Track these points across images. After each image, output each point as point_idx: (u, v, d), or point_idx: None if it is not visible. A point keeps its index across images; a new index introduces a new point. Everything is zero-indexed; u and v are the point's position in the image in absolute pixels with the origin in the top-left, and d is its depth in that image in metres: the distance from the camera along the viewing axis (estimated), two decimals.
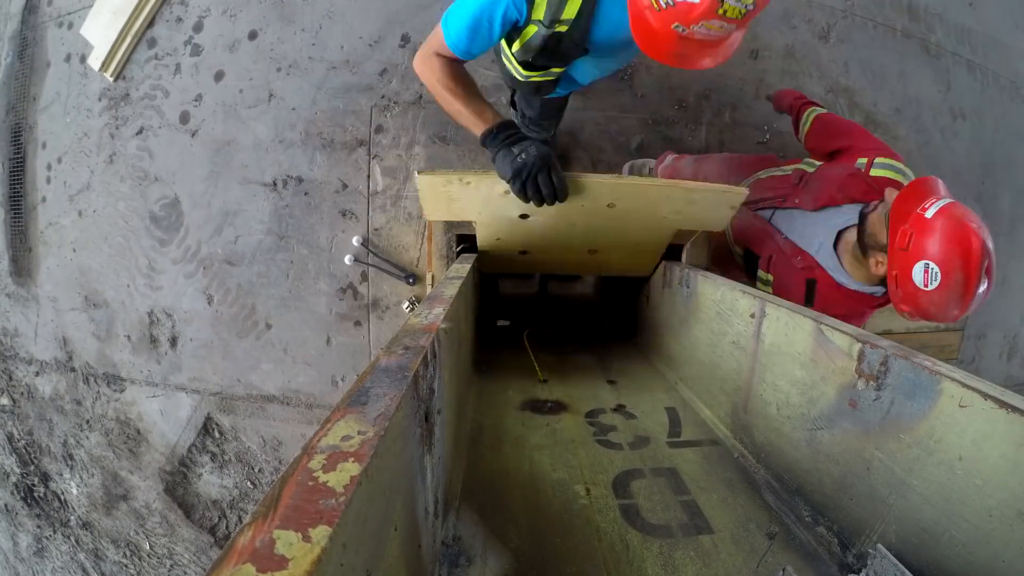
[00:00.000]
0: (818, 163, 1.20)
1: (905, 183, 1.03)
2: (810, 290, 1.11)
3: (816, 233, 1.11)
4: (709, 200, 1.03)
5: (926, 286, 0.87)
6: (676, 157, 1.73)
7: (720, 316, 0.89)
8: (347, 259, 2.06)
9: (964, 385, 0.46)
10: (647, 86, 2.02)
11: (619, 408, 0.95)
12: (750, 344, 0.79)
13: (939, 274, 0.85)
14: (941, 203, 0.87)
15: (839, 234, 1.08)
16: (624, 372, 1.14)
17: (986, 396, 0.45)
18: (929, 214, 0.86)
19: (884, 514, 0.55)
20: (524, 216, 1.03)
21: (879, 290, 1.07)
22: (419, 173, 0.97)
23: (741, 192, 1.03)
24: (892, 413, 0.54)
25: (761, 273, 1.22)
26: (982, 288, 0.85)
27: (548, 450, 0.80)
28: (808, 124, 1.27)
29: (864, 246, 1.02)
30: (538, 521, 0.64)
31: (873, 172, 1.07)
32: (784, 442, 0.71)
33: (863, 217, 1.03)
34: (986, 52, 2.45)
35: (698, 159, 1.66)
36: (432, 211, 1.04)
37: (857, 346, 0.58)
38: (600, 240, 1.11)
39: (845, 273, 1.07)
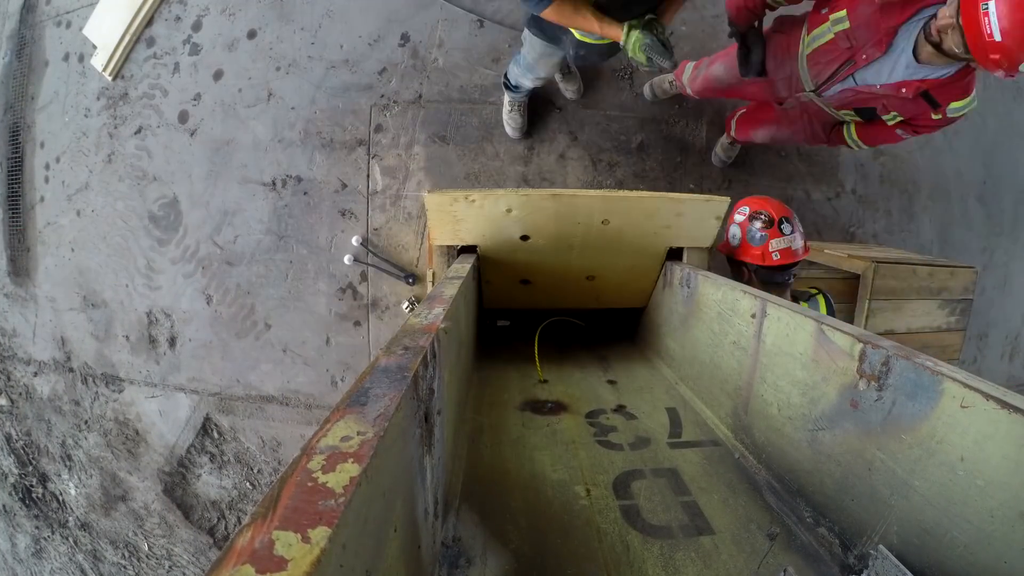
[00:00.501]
0: (841, 14, 1.22)
1: None
2: (930, 99, 1.22)
3: (897, 64, 1.19)
4: (695, 211, 1.10)
5: None
6: (701, 63, 1.70)
7: (721, 316, 0.89)
8: (346, 259, 2.06)
9: (966, 385, 0.46)
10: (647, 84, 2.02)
11: (620, 408, 0.95)
12: (751, 344, 0.79)
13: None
14: (995, 21, 0.95)
15: (914, 51, 1.15)
16: (625, 372, 1.14)
17: (988, 396, 0.44)
18: (997, 38, 0.96)
19: (886, 515, 0.54)
20: (525, 238, 1.09)
21: (972, 64, 1.15)
22: (427, 193, 1.03)
23: (723, 200, 1.12)
24: (894, 414, 0.54)
25: (885, 117, 1.33)
26: None
27: (548, 451, 0.79)
28: None
29: (948, 55, 1.11)
30: (538, 522, 0.64)
31: None
32: (785, 443, 0.71)
33: (932, 42, 1.10)
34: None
35: (724, 57, 1.61)
36: (439, 235, 1.08)
37: (859, 346, 0.58)
38: (597, 263, 1.15)
39: (937, 68, 1.16)
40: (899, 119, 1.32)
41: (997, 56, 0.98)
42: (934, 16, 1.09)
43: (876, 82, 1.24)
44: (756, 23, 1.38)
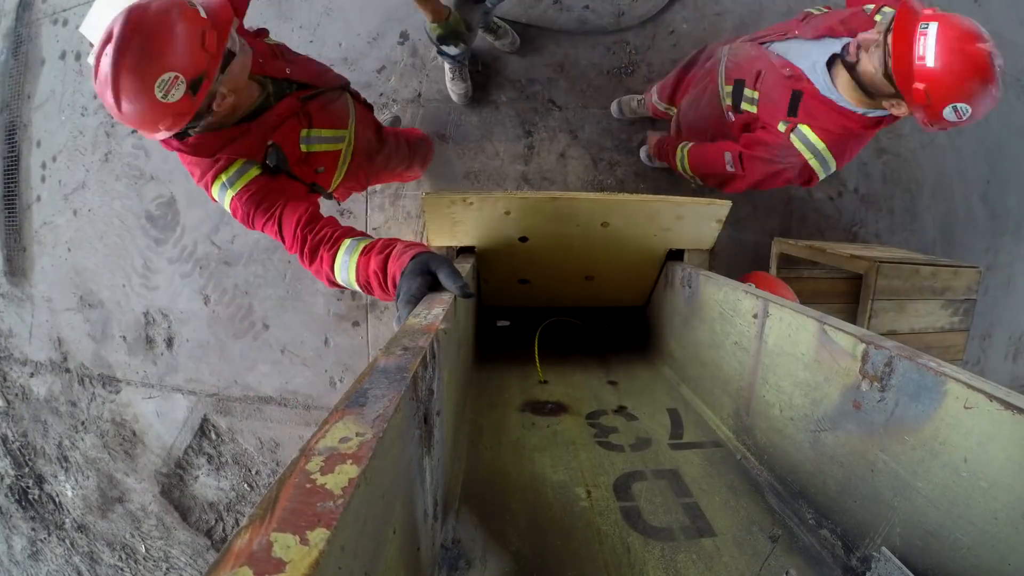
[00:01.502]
0: (824, 7, 1.15)
1: None
2: (795, 100, 1.07)
3: (811, 53, 1.08)
4: (696, 214, 1.09)
5: (960, 118, 0.89)
6: (661, 84, 1.65)
7: (722, 316, 0.89)
8: None
9: (969, 386, 0.46)
10: (648, 83, 2.02)
11: (620, 409, 0.95)
12: (753, 345, 0.78)
13: (968, 108, 0.87)
14: (933, 45, 0.85)
15: (833, 56, 1.04)
16: (625, 373, 1.13)
17: (991, 397, 0.44)
18: (930, 63, 0.85)
19: (888, 517, 0.54)
20: (524, 239, 1.08)
21: (875, 112, 1.03)
22: (425, 194, 1.02)
23: (724, 204, 1.07)
24: (896, 415, 0.54)
25: (748, 92, 1.17)
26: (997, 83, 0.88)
27: (548, 452, 0.79)
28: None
29: (863, 87, 0.99)
30: (538, 523, 0.63)
31: (879, 18, 1.01)
32: (787, 444, 0.71)
33: (847, 63, 0.99)
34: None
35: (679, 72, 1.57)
36: (436, 236, 1.07)
37: (861, 347, 0.58)
38: (596, 264, 1.14)
39: (836, 92, 1.04)
40: (751, 110, 1.17)
41: (923, 86, 0.86)
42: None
43: (780, 52, 1.12)
44: None
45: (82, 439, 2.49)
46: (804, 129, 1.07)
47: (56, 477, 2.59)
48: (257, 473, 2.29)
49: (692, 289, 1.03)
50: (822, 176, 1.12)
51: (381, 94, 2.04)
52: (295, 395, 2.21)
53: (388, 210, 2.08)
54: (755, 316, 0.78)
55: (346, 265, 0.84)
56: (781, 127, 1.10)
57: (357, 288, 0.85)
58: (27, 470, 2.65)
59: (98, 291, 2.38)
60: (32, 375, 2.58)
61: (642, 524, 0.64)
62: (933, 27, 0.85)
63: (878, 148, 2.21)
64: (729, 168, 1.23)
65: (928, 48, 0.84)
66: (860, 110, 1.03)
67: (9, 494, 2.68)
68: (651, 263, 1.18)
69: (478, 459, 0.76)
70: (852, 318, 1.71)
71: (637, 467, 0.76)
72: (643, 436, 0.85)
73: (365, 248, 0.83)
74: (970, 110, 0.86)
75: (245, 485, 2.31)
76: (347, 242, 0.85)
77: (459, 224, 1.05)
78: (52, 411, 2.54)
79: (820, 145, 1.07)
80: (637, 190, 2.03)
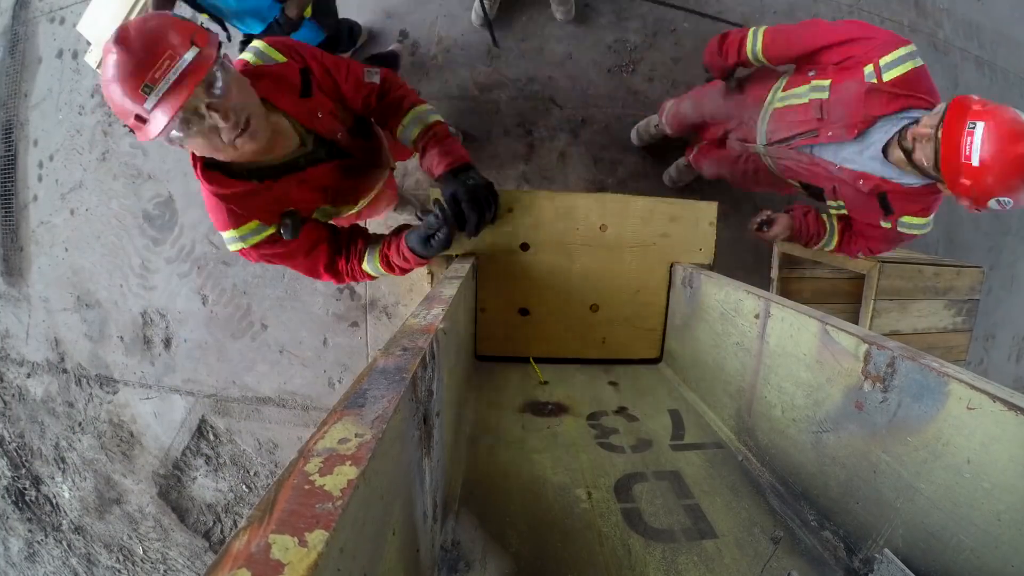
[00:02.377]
0: (825, 83, 1.14)
1: (917, 66, 1.03)
2: (884, 202, 1.15)
3: (864, 155, 1.12)
4: (688, 214, 1.11)
5: (1002, 208, 0.93)
6: (676, 100, 1.69)
7: (724, 317, 0.88)
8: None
9: (972, 387, 0.46)
10: (649, 82, 2.02)
11: (621, 410, 0.94)
12: (754, 345, 0.78)
13: (1010, 201, 0.91)
14: (979, 145, 0.89)
15: (884, 149, 1.09)
16: (626, 373, 1.13)
17: (995, 398, 0.44)
18: (975, 163, 0.89)
19: (891, 518, 0.54)
20: (525, 247, 1.08)
21: (943, 189, 1.08)
22: (430, 189, 1.02)
23: (711, 205, 1.12)
24: (899, 415, 0.53)
25: (830, 202, 1.27)
26: None
27: (549, 453, 0.78)
28: (759, 39, 1.23)
29: (918, 169, 1.03)
30: (538, 525, 0.63)
31: (886, 77, 1.04)
32: (789, 445, 0.70)
33: (903, 147, 1.03)
34: (995, 48, 2.42)
35: (695, 94, 1.61)
36: None
37: (863, 347, 0.57)
38: (600, 284, 1.12)
39: (906, 175, 1.09)
40: (843, 211, 1.26)
41: (969, 182, 0.90)
42: (916, 120, 1.01)
43: (835, 161, 1.16)
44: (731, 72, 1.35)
45: (79, 440, 2.48)
46: (906, 219, 1.16)
47: (53, 478, 2.58)
48: (255, 474, 2.28)
49: (693, 289, 1.02)
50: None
51: None
52: (294, 396, 2.20)
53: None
54: (757, 316, 0.78)
55: (373, 266, 1.04)
56: (885, 224, 1.19)
57: (387, 274, 1.05)
58: (24, 471, 2.64)
59: (95, 291, 2.37)
60: (29, 376, 2.57)
61: (643, 526, 0.64)
62: (980, 127, 0.89)
63: None
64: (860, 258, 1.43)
65: (974, 148, 0.89)
66: (927, 182, 1.08)
67: (6, 495, 2.67)
68: (656, 285, 1.14)
69: (478, 460, 0.76)
70: (854, 318, 1.71)
71: (638, 468, 0.75)
72: (644, 437, 0.85)
73: (380, 251, 1.02)
74: (1012, 202, 0.91)
75: (243, 486, 2.30)
76: (366, 257, 1.03)
77: None
78: (49, 412, 2.53)
79: (924, 220, 1.16)
80: (637, 190, 2.03)
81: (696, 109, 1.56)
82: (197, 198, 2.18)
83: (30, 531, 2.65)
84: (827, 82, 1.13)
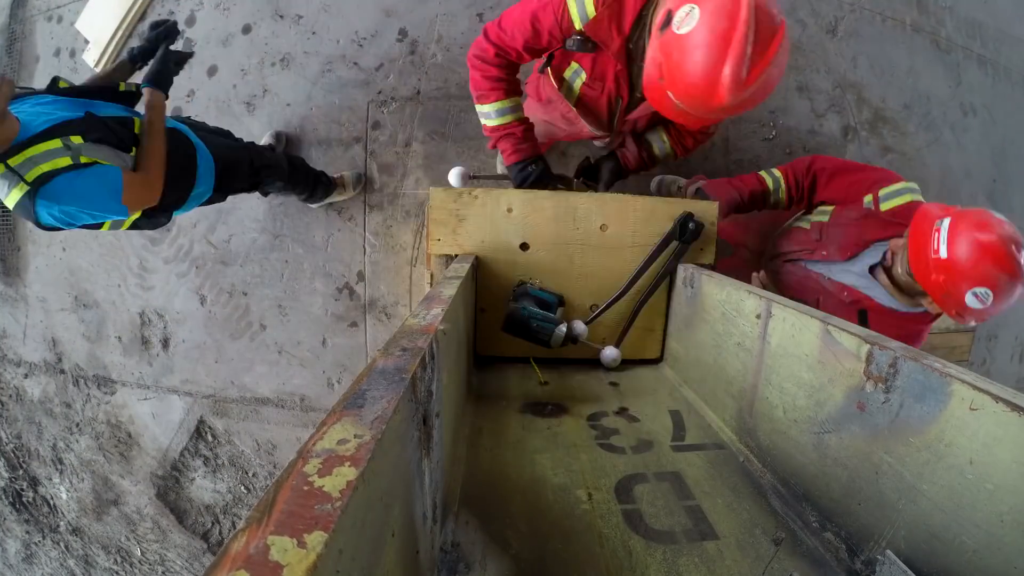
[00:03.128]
0: (829, 208, 1.21)
1: (915, 199, 1.09)
2: (863, 319, 1.14)
3: (854, 274, 1.17)
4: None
5: (983, 304, 0.93)
6: (707, 183, 1.74)
7: (725, 317, 0.88)
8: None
9: (975, 387, 0.46)
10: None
11: (622, 411, 0.94)
12: (756, 345, 0.78)
13: (990, 294, 0.91)
14: (945, 237, 0.92)
15: (871, 270, 1.14)
16: (626, 374, 1.13)
17: (997, 399, 0.44)
18: (943, 254, 0.91)
19: (893, 519, 0.54)
20: (525, 247, 1.08)
21: (921, 309, 1.11)
22: (431, 187, 1.04)
23: (712, 205, 1.11)
24: (901, 416, 0.53)
25: None
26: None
27: (549, 454, 0.78)
28: (811, 175, 1.26)
29: (901, 288, 1.08)
30: (539, 527, 0.63)
31: (883, 206, 1.11)
32: (790, 446, 0.70)
33: (885, 266, 1.09)
34: (998, 46, 2.41)
35: (718, 184, 1.67)
36: (439, 234, 1.07)
37: (865, 348, 0.57)
38: (600, 285, 1.12)
39: (892, 299, 1.11)
40: None
41: (941, 277, 0.92)
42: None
43: (825, 273, 1.21)
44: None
45: (77, 441, 2.47)
46: None
47: (51, 479, 2.57)
48: (254, 475, 2.28)
49: (694, 289, 1.02)
50: None
51: (380, 91, 2.04)
52: (292, 396, 2.19)
53: (387, 209, 2.07)
54: (758, 316, 0.77)
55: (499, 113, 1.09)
56: None
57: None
58: (21, 472, 2.63)
59: (93, 291, 2.36)
60: (26, 376, 2.56)
61: (644, 527, 0.63)
62: (946, 222, 0.92)
63: (883, 147, 2.21)
64: None
65: (942, 241, 0.91)
66: (913, 310, 1.10)
67: (3, 497, 2.66)
68: (658, 289, 1.13)
69: (478, 461, 0.75)
70: None
71: (639, 469, 0.75)
72: (645, 438, 0.85)
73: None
74: (991, 293, 0.91)
75: (242, 487, 2.29)
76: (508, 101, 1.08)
77: (463, 222, 1.05)
78: (46, 412, 2.52)
79: None
80: (638, 188, 2.03)
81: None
82: None
83: (27, 532, 2.64)
84: (830, 208, 1.20)
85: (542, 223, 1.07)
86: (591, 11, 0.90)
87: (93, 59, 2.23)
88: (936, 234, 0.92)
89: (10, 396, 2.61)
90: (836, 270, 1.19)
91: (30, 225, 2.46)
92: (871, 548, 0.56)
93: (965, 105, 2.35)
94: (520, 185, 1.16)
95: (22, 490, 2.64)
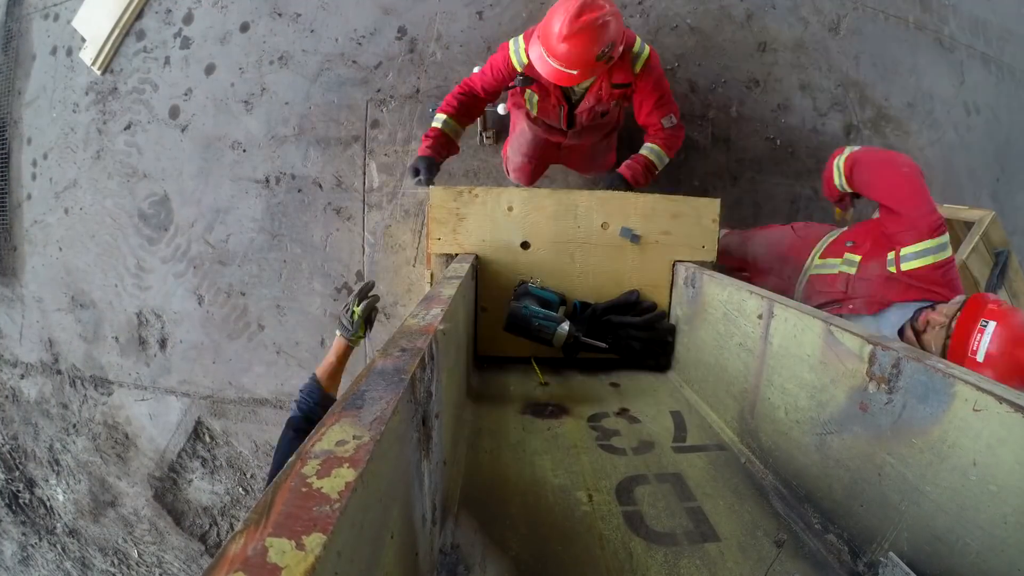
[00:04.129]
0: (856, 259, 1.23)
1: (938, 260, 1.11)
2: None
3: (879, 328, 1.19)
4: (690, 211, 1.11)
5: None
6: (727, 232, 1.76)
7: (727, 317, 0.88)
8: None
9: (978, 388, 0.45)
10: None
11: (622, 412, 0.94)
12: (758, 346, 0.78)
13: None
14: (986, 343, 0.93)
15: (900, 331, 1.16)
16: (627, 375, 1.12)
17: (1001, 399, 0.43)
18: (980, 359, 0.94)
19: (896, 521, 0.53)
20: (526, 245, 1.07)
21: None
22: (432, 186, 1.04)
23: (714, 203, 1.12)
24: (904, 417, 0.53)
25: None
26: None
27: (549, 455, 0.78)
28: (842, 171, 1.27)
29: (923, 346, 1.09)
30: (539, 528, 0.62)
31: (904, 267, 1.14)
32: (792, 447, 0.70)
33: (915, 328, 1.10)
34: (1001, 44, 2.40)
35: (747, 234, 1.70)
36: (439, 233, 1.07)
37: (868, 348, 0.57)
38: (601, 284, 1.11)
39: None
40: None
41: None
42: (930, 307, 1.08)
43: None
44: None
45: (74, 442, 2.46)
46: None
47: (47, 481, 2.55)
48: (252, 477, 2.27)
49: (696, 289, 1.02)
50: None
51: (379, 90, 2.03)
52: (291, 397, 2.18)
53: (386, 208, 2.07)
54: (760, 317, 0.77)
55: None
56: None
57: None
58: (17, 474, 2.61)
59: (90, 291, 2.35)
60: (22, 377, 2.54)
61: (645, 529, 0.63)
62: (991, 326, 0.93)
63: (886, 146, 2.22)
64: None
65: (982, 345, 0.93)
66: None
67: None
68: (658, 284, 1.13)
69: (477, 462, 0.75)
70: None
71: (640, 471, 0.75)
72: (646, 439, 0.84)
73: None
74: None
75: (240, 489, 2.28)
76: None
77: (463, 221, 1.05)
78: (43, 413, 2.50)
79: None
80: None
81: (740, 248, 1.63)
82: (192, 196, 2.17)
83: (24, 534, 2.62)
84: (858, 258, 1.22)
85: (543, 221, 1.07)
86: (524, 59, 1.36)
87: (89, 57, 2.22)
88: (979, 335, 0.93)
89: (6, 397, 2.59)
90: (865, 323, 1.21)
91: (27, 224, 2.45)
92: (874, 550, 0.56)
93: (969, 103, 2.35)
94: (413, 167, 1.47)
95: (18, 491, 2.62)
